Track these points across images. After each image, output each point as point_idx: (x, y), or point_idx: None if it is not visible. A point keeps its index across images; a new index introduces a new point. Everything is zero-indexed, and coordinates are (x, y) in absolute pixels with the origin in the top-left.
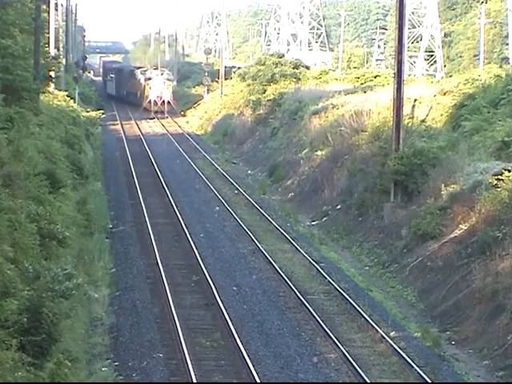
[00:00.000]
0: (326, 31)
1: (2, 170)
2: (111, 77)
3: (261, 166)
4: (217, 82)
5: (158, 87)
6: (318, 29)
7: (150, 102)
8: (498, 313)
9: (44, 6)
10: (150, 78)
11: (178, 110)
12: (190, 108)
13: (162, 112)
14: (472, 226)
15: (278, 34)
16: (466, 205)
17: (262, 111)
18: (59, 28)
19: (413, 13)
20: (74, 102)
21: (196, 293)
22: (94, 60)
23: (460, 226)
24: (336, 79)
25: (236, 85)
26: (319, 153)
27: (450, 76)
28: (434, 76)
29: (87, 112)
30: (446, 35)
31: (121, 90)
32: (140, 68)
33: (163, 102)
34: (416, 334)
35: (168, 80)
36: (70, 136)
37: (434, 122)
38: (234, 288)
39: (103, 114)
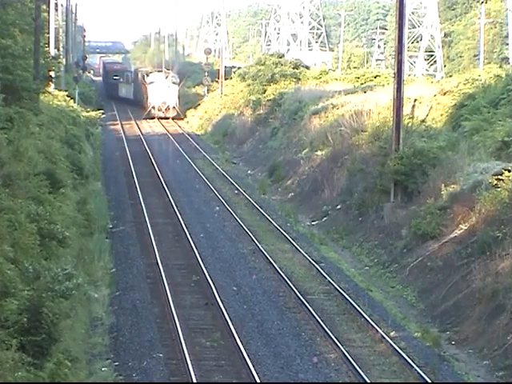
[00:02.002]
0: (326, 31)
1: (2, 170)
2: (126, 79)
3: (261, 166)
4: (217, 81)
5: (162, 91)
6: (318, 29)
7: (153, 107)
8: (497, 313)
9: (44, 6)
10: (152, 82)
11: (182, 115)
12: (190, 108)
13: (167, 118)
14: (472, 226)
15: (278, 34)
16: (466, 205)
17: (261, 111)
18: (59, 28)
19: (413, 13)
20: (74, 102)
21: (196, 293)
22: (94, 60)
23: (460, 225)
24: (336, 79)
25: (236, 85)
26: (319, 153)
27: (450, 76)
28: (434, 76)
29: (87, 112)
30: (446, 35)
31: (138, 95)
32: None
33: (168, 107)
34: (416, 333)
35: (173, 84)
36: (70, 136)
37: (434, 122)
38: (234, 288)
39: (103, 113)
